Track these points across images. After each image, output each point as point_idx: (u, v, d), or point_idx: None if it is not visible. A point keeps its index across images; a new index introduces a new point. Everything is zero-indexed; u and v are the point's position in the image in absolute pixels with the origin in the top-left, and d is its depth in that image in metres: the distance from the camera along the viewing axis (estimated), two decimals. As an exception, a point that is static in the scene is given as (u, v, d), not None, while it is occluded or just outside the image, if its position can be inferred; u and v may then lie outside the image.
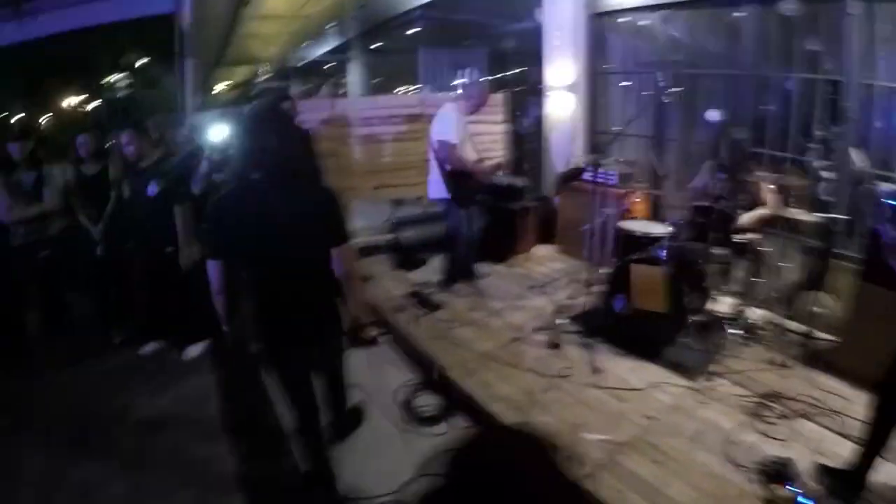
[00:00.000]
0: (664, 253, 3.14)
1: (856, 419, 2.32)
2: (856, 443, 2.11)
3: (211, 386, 3.17)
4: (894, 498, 2.01)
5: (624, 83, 4.97)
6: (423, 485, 2.34)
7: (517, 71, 7.81)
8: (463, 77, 3.77)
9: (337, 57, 12.27)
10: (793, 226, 3.42)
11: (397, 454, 2.54)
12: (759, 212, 3.19)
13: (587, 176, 4.28)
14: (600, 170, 3.89)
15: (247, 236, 1.83)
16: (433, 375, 3.12)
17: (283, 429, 2.64)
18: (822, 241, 3.17)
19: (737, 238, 3.19)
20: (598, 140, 5.10)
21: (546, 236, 5.08)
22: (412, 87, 10.34)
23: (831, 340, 3.02)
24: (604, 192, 3.98)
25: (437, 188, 3.80)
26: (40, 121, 13.68)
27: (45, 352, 3.57)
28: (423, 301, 3.93)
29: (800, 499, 1.98)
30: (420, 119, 4.64)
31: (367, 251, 4.92)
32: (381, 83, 12.13)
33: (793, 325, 3.26)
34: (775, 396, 2.65)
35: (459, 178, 3.70)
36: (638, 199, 4.40)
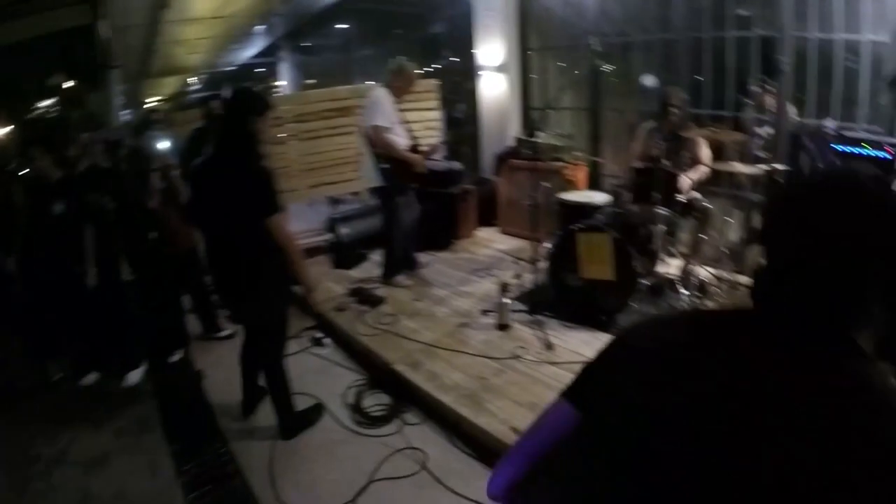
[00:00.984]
0: (606, 219, 3.02)
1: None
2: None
3: (153, 414, 2.91)
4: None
5: (560, 63, 4.93)
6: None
7: (451, 57, 7.67)
8: (390, 65, 3.62)
9: (267, 60, 11.82)
10: (735, 181, 3.39)
11: (350, 460, 2.39)
12: (700, 169, 3.13)
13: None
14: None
15: (197, 210, 2.35)
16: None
17: (230, 452, 2.49)
18: (762, 194, 3.12)
19: (680, 197, 3.09)
20: (531, 117, 5.05)
21: (488, 218, 4.97)
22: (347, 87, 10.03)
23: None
24: (541, 167, 3.93)
25: (370, 178, 3.60)
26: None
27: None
28: (364, 298, 3.68)
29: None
30: (351, 111, 4.50)
31: (309, 253, 4.62)
32: (314, 84, 11.74)
33: (743, 279, 3.21)
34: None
35: (392, 165, 3.50)
36: (576, 170, 4.33)
